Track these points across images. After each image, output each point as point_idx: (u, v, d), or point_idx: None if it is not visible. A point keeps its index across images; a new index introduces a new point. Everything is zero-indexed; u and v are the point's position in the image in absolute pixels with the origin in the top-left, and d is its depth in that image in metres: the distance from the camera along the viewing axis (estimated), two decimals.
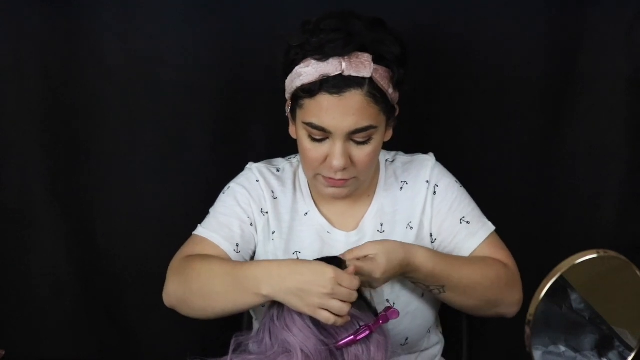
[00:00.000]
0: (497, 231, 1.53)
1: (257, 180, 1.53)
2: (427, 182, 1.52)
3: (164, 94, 1.82)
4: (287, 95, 1.43)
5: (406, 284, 1.47)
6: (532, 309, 1.04)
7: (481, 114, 1.85)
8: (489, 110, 1.85)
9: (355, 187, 1.46)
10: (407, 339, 1.50)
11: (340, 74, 1.32)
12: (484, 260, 1.46)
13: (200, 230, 1.50)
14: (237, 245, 1.47)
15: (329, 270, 1.23)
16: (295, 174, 1.55)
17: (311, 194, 1.53)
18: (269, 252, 1.50)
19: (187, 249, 1.48)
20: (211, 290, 1.36)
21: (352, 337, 1.23)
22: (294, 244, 1.50)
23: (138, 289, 1.93)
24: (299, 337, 1.21)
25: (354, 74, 1.33)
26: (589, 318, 1.11)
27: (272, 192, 1.52)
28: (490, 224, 1.52)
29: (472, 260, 1.47)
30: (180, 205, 1.87)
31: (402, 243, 1.38)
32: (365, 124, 1.36)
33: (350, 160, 1.38)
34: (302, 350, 1.20)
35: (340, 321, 1.23)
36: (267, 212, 1.51)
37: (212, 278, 1.36)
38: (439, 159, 1.57)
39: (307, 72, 1.34)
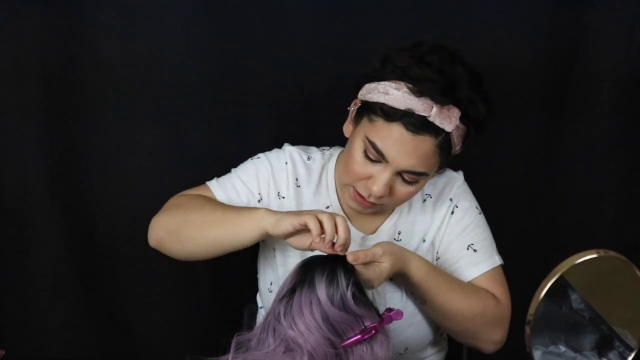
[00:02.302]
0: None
1: (286, 163, 1.53)
2: (451, 199, 1.52)
3: (164, 94, 1.82)
4: (360, 97, 1.40)
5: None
6: (532, 309, 1.04)
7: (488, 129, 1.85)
8: None
9: (379, 209, 1.45)
10: (406, 349, 1.51)
11: (426, 117, 1.30)
12: (477, 291, 1.46)
13: (213, 183, 1.54)
14: None
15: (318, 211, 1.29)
16: (324, 167, 1.54)
17: (336, 189, 1.52)
18: None
19: (192, 191, 1.54)
20: (210, 220, 1.40)
21: (359, 336, 1.22)
22: None
23: (138, 289, 1.93)
24: (306, 335, 1.21)
25: (437, 123, 1.31)
26: (589, 318, 1.11)
27: (297, 179, 1.52)
28: (497, 258, 1.51)
29: (465, 287, 1.46)
30: None
31: (403, 249, 1.39)
32: (422, 169, 1.35)
33: (388, 191, 1.37)
34: (307, 350, 1.20)
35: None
36: (283, 197, 1.51)
37: (214, 209, 1.42)
38: None
39: (395, 95, 1.32)
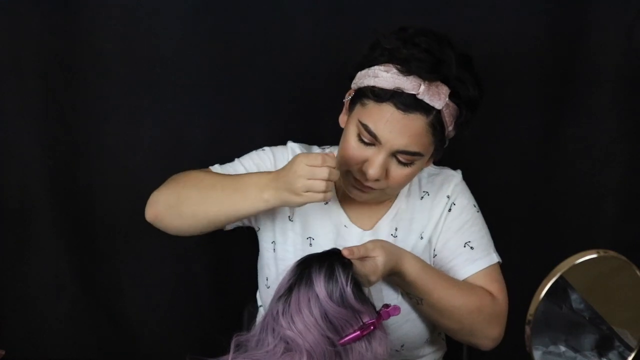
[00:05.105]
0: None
1: (289, 157, 1.54)
2: (448, 197, 1.53)
3: (164, 93, 1.83)
4: (353, 86, 1.43)
5: None
6: (532, 309, 1.04)
7: (481, 113, 1.85)
8: (489, 110, 1.84)
9: (379, 196, 1.46)
10: (402, 346, 1.51)
11: (415, 95, 1.32)
12: (473, 288, 1.46)
13: (216, 167, 1.56)
14: None
15: (299, 157, 1.33)
16: None
17: (334, 186, 1.52)
18: (288, 230, 1.54)
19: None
20: (211, 195, 1.43)
21: (358, 333, 1.22)
22: (310, 230, 1.53)
23: (138, 289, 1.93)
24: (304, 334, 1.21)
25: (426, 100, 1.33)
26: (589, 318, 1.11)
27: None
28: (495, 255, 1.51)
29: (460, 284, 1.46)
30: None
31: (396, 246, 1.40)
32: (415, 149, 1.37)
33: (385, 174, 1.39)
34: (305, 349, 1.20)
35: (320, 197, 1.32)
36: None
37: (215, 184, 1.45)
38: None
39: (384, 77, 1.34)
